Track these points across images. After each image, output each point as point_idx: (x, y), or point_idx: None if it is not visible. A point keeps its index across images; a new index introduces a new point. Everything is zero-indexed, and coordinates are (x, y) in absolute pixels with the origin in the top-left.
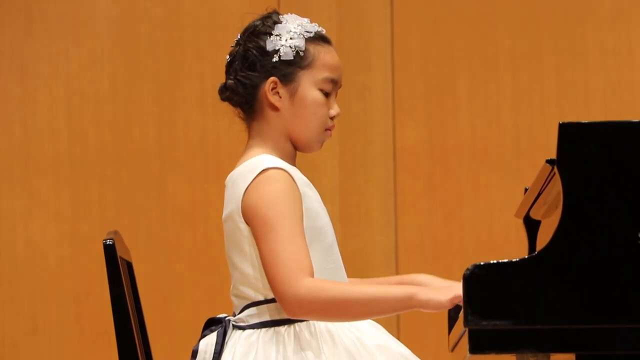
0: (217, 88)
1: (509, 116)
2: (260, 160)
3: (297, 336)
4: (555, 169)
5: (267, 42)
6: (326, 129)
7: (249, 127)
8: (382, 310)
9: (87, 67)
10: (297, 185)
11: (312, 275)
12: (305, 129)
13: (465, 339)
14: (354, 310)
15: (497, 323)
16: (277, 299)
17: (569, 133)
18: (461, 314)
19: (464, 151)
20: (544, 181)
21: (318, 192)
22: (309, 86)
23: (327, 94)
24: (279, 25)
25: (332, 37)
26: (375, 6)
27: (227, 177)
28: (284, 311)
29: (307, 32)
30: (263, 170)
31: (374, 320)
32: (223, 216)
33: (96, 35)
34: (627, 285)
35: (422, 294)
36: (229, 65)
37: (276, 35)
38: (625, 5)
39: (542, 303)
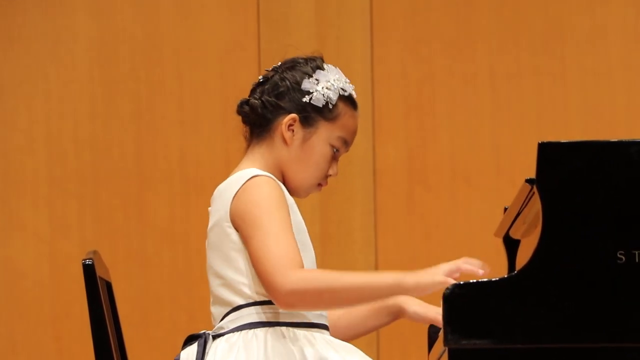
0: (195, 106)
1: (489, 135)
2: (249, 170)
3: (276, 339)
4: (535, 189)
5: (304, 80)
6: (319, 184)
7: (249, 147)
8: (372, 297)
9: (66, 86)
10: (284, 193)
11: (302, 267)
12: (301, 174)
13: (445, 358)
14: (345, 297)
15: (477, 342)
16: (268, 291)
17: (548, 152)
18: (441, 333)
19: (443, 170)
20: (523, 200)
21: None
22: (323, 138)
23: (334, 152)
24: (320, 71)
25: None
26: (355, 26)
27: (215, 192)
28: (276, 303)
29: (343, 89)
30: (252, 177)
31: (354, 342)
32: (209, 226)
33: (75, 54)
34: (606, 304)
35: (410, 278)
36: (258, 85)
37: (315, 79)
38: (604, 26)
39: (521, 322)
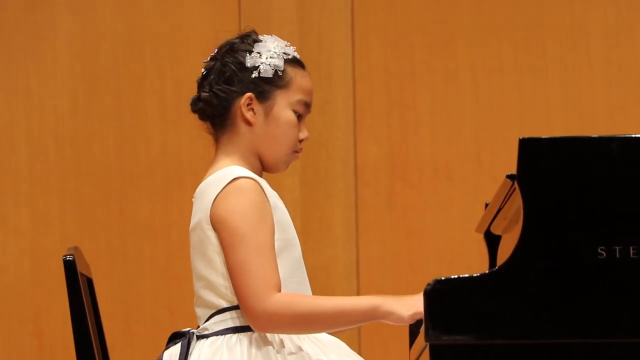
0: (176, 102)
1: (470, 131)
2: (231, 170)
3: (260, 345)
4: (516, 184)
5: (246, 58)
6: (294, 151)
7: (217, 141)
8: (347, 322)
9: (46, 82)
10: (267, 197)
11: (280, 291)
12: (275, 148)
13: (427, 354)
14: (321, 323)
15: (458, 338)
16: (245, 314)
17: (529, 148)
18: (422, 328)
19: (425, 166)
20: (504, 196)
21: None
22: (284, 106)
23: (299, 117)
24: (259, 43)
25: None
26: (336, 22)
27: (197, 190)
28: (251, 326)
29: (286, 54)
30: (234, 179)
31: (336, 336)
32: (190, 226)
33: (56, 50)
34: (587, 300)
35: (386, 306)
36: (203, 79)
37: (257, 52)
38: (585, 22)
39: (502, 318)
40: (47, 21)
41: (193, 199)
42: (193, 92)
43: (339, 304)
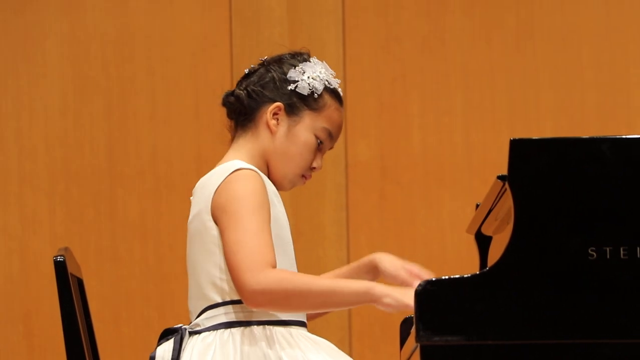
0: (167, 102)
1: (461, 133)
2: (232, 163)
3: (252, 340)
4: (507, 185)
5: (290, 70)
6: (302, 175)
7: (234, 138)
8: (340, 302)
9: (37, 82)
10: (266, 188)
11: (275, 267)
12: (285, 164)
13: (417, 354)
14: (313, 301)
15: (449, 339)
16: (237, 288)
17: (520, 149)
18: (413, 329)
19: (415, 168)
20: (495, 197)
21: None
22: (308, 128)
23: (320, 144)
24: (307, 63)
25: None
26: (327, 24)
27: (197, 184)
28: (244, 300)
29: (329, 82)
30: (235, 170)
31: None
32: (189, 218)
33: (46, 50)
34: (577, 300)
35: (380, 288)
36: (244, 78)
37: (301, 69)
38: (576, 25)
39: (493, 319)
40: (37, 22)
41: (192, 193)
42: (184, 92)
43: (333, 283)
